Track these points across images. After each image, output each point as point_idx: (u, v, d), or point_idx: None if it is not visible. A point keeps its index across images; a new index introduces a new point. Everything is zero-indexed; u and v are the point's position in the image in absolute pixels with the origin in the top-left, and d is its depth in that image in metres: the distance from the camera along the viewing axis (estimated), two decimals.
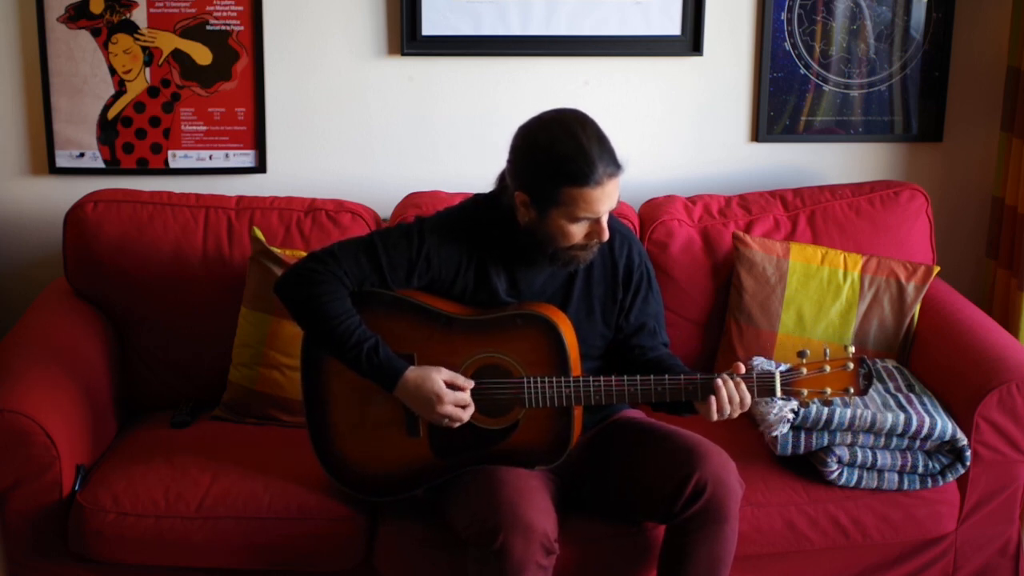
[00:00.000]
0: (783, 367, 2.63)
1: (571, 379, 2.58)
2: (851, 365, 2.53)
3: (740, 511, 2.75)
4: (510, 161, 2.59)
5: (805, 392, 2.54)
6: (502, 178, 2.66)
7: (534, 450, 2.63)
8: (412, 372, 2.57)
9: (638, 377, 2.57)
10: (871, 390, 2.96)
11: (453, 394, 2.56)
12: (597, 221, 2.55)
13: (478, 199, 2.74)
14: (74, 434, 2.80)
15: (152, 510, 2.73)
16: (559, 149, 2.49)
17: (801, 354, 2.54)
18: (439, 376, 2.56)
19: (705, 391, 2.54)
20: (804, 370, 2.54)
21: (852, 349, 2.54)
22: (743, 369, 2.54)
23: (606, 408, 2.80)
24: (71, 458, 2.76)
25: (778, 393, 2.53)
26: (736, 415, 2.53)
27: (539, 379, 2.58)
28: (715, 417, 2.52)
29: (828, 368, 2.53)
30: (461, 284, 2.67)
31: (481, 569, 2.49)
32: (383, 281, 2.63)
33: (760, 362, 3.11)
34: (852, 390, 2.53)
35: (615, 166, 2.51)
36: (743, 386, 2.52)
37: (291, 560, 2.75)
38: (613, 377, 2.58)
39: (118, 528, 2.72)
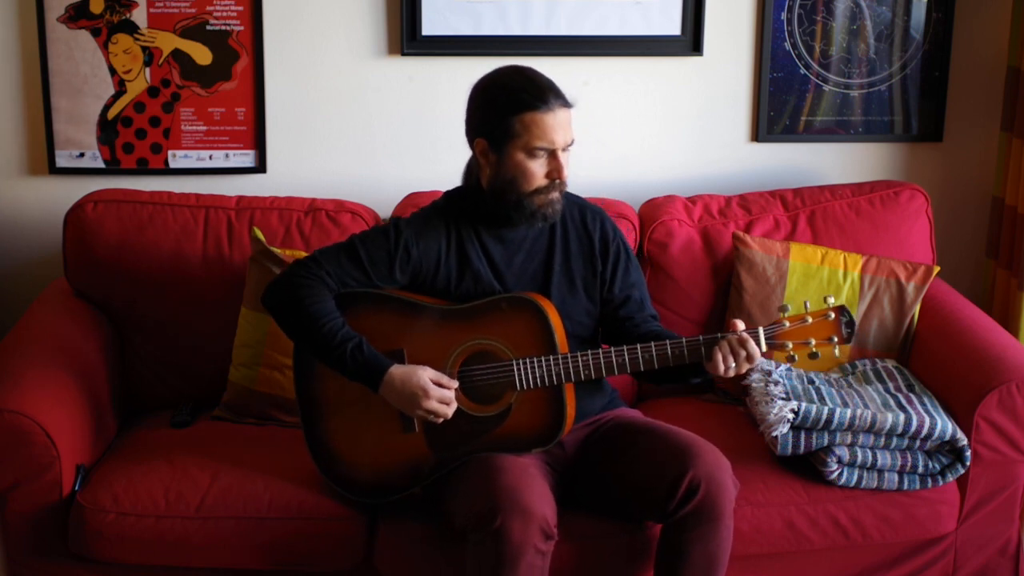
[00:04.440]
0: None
1: (559, 356, 2.60)
2: (832, 315, 2.55)
3: (740, 511, 2.76)
4: (467, 119, 2.70)
5: (790, 345, 2.55)
6: (468, 169, 2.75)
7: (529, 434, 2.64)
8: (397, 369, 2.59)
9: (624, 348, 2.60)
10: (871, 390, 2.97)
11: (438, 390, 2.59)
12: (554, 156, 2.61)
13: (449, 192, 2.81)
14: (74, 434, 2.80)
15: (152, 510, 2.73)
16: (508, 83, 2.63)
17: (782, 308, 2.57)
18: (425, 373, 2.59)
19: (692, 354, 2.57)
20: (786, 323, 2.56)
21: (832, 300, 2.56)
22: (740, 327, 2.55)
23: (602, 402, 2.82)
24: (71, 458, 2.76)
25: (763, 347, 2.54)
26: (744, 369, 2.55)
27: (528, 360, 2.60)
28: (721, 372, 2.54)
29: (810, 319, 2.55)
30: (444, 273, 2.70)
31: (479, 552, 2.49)
32: (367, 278, 2.67)
33: (760, 362, 3.11)
34: (836, 339, 2.55)
35: (565, 99, 2.62)
36: (750, 342, 2.52)
37: (291, 560, 2.75)
38: (600, 350, 2.60)
39: (118, 528, 2.72)
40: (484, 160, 2.66)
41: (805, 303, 2.58)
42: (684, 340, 2.58)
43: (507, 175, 2.63)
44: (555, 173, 2.62)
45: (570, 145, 2.64)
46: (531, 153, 2.60)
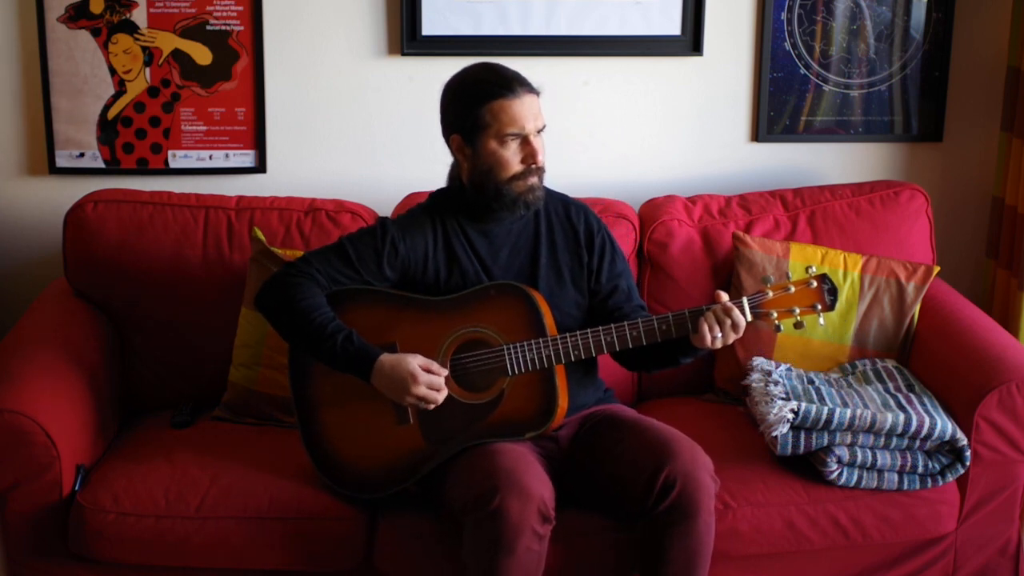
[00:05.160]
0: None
1: (549, 339, 2.62)
2: (815, 283, 2.58)
3: (740, 511, 2.76)
4: (440, 119, 2.76)
5: (775, 314, 2.58)
6: (451, 171, 2.80)
7: (522, 418, 2.66)
8: (387, 357, 2.62)
9: (612, 325, 2.62)
10: (871, 390, 2.97)
11: (428, 376, 2.61)
12: (527, 142, 2.65)
13: (434, 193, 2.86)
14: (74, 434, 2.80)
15: (152, 510, 2.73)
16: (472, 77, 2.71)
17: (765, 280, 2.60)
18: (414, 360, 2.61)
19: (679, 327, 2.59)
20: (770, 292, 2.59)
21: (813, 269, 2.60)
22: (724, 297, 2.57)
23: (595, 394, 2.84)
24: (71, 458, 2.77)
25: (748, 316, 2.56)
26: (731, 339, 2.56)
27: (518, 345, 2.62)
28: (708, 343, 2.56)
29: (792, 288, 2.58)
30: (432, 268, 2.73)
31: (477, 534, 2.50)
32: (358, 275, 2.71)
33: (760, 362, 3.11)
34: (820, 307, 2.58)
35: (530, 86, 2.68)
36: (735, 311, 2.54)
37: (291, 560, 2.75)
38: (589, 330, 2.62)
39: (118, 528, 2.72)
40: (461, 156, 2.72)
41: (787, 273, 2.61)
42: (670, 315, 2.60)
43: (483, 166, 2.67)
44: (530, 158, 2.66)
45: (541, 130, 2.68)
46: (503, 141, 2.64)
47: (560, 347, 2.62)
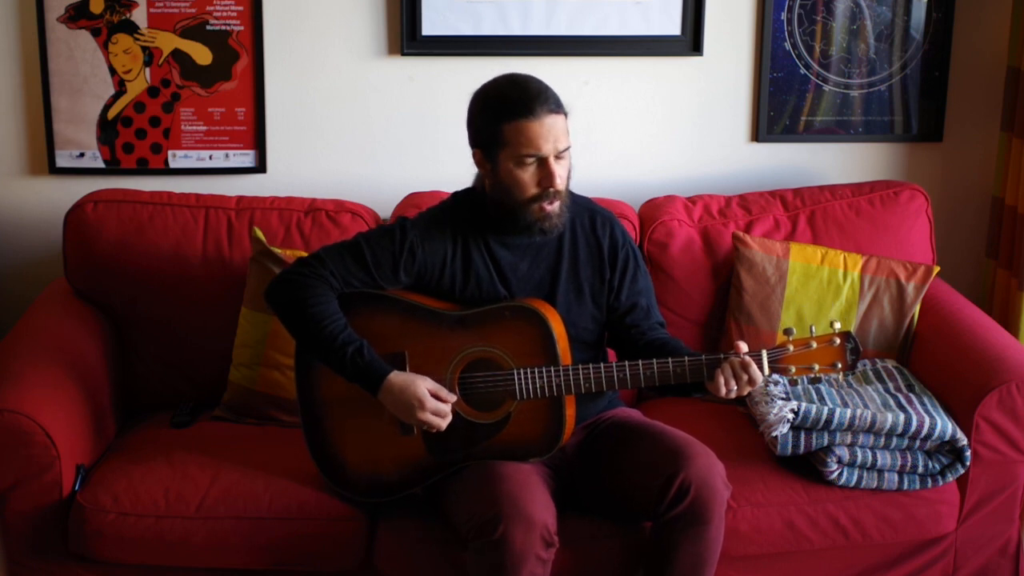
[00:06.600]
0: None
1: (561, 368, 2.58)
2: (837, 340, 2.53)
3: (740, 511, 2.76)
4: (467, 130, 2.68)
5: (793, 369, 2.54)
6: (477, 175, 2.73)
7: (527, 442, 2.64)
8: (397, 376, 2.59)
9: (626, 363, 2.58)
10: (871, 390, 2.97)
11: (434, 403, 2.58)
12: (544, 164, 2.57)
13: (456, 194, 2.79)
14: (74, 434, 2.80)
15: (152, 510, 2.73)
16: (497, 91, 2.62)
17: (787, 332, 2.54)
18: (423, 384, 2.58)
19: (694, 373, 2.55)
20: (791, 347, 2.54)
21: (838, 325, 2.55)
22: (744, 349, 2.53)
23: (601, 404, 2.82)
24: (71, 458, 2.77)
25: (765, 371, 2.53)
26: (746, 391, 2.53)
27: (529, 370, 2.59)
28: (723, 394, 2.52)
29: (815, 344, 2.53)
30: (449, 275, 2.69)
31: (480, 560, 2.50)
32: (371, 279, 2.66)
33: None
34: (840, 365, 2.53)
35: (555, 105, 2.58)
36: (753, 367, 2.50)
37: (291, 560, 2.75)
38: (602, 364, 2.59)
39: (118, 528, 2.72)
40: (483, 170, 2.66)
41: (811, 327, 2.57)
42: (687, 359, 2.55)
43: (502, 185, 2.62)
44: (546, 181, 2.58)
45: (563, 151, 2.60)
46: (520, 162, 2.58)
47: (571, 378, 2.58)
